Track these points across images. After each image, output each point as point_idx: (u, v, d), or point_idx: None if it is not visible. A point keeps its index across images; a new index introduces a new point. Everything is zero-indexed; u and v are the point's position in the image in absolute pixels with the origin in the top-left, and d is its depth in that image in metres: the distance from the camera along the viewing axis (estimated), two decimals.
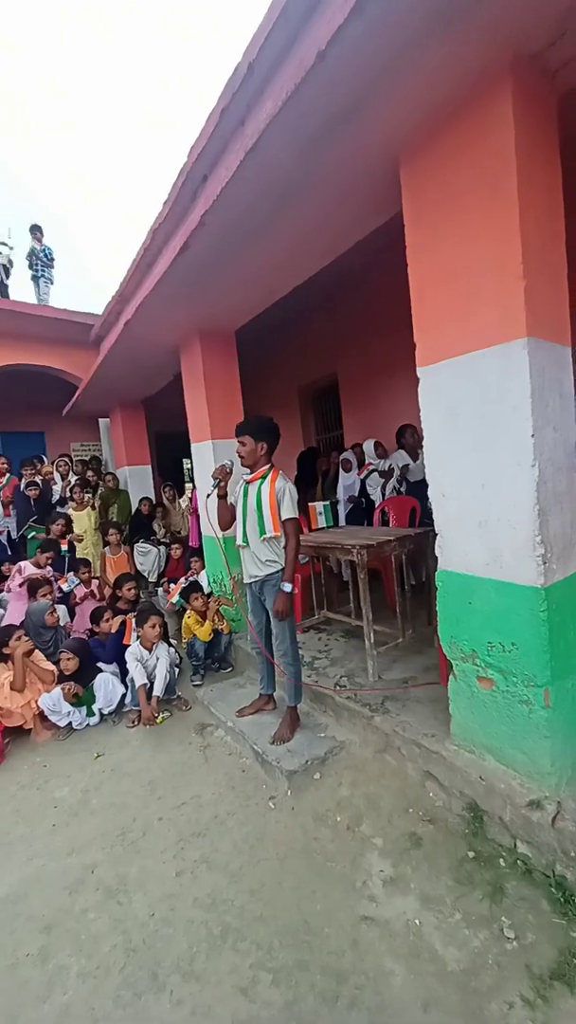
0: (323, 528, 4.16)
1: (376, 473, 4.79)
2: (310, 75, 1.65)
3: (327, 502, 4.79)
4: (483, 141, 1.77)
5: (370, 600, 2.97)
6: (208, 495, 2.82)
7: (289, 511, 2.55)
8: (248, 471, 2.69)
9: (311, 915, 1.73)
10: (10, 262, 7.19)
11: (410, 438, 4.45)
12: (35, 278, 7.31)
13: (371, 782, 2.34)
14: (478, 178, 1.79)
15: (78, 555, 5.58)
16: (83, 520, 5.70)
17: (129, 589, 4.21)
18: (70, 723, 3.22)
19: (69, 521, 5.32)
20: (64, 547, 5.08)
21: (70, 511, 5.76)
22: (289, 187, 2.30)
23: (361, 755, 2.52)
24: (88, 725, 3.27)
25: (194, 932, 1.71)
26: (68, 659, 3.29)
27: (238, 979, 1.53)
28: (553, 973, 1.43)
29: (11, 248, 7.21)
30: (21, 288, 7.68)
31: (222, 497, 2.77)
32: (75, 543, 5.67)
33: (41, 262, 7.26)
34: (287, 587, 2.55)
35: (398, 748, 2.36)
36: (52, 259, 7.44)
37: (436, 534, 2.15)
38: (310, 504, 5.07)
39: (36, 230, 7.35)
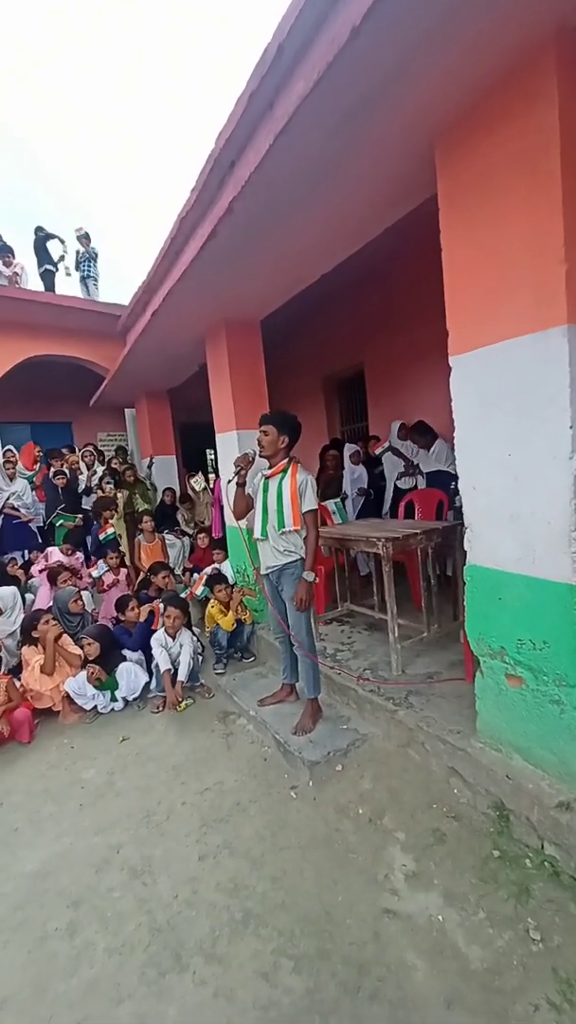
0: (350, 522, 4.13)
1: (391, 451, 4.73)
2: (343, 52, 1.60)
3: (337, 499, 4.76)
4: (524, 116, 1.68)
5: (394, 593, 2.93)
6: (229, 481, 2.83)
7: (311, 503, 2.57)
8: (267, 464, 2.70)
9: (332, 905, 1.73)
10: (62, 257, 7.40)
11: (419, 436, 4.43)
12: (84, 279, 7.51)
13: (394, 776, 2.32)
14: (518, 156, 1.71)
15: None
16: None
17: (164, 577, 4.27)
18: (95, 706, 3.30)
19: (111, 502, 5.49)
20: (110, 530, 5.22)
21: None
22: (319, 171, 2.25)
23: (384, 749, 2.51)
24: (113, 710, 3.34)
25: (216, 916, 1.73)
26: (88, 644, 3.36)
27: (260, 964, 1.55)
28: None
29: (63, 242, 7.41)
30: (66, 286, 7.91)
31: (240, 486, 2.77)
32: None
33: (88, 261, 7.48)
34: (309, 576, 2.55)
35: (422, 743, 2.34)
36: (96, 257, 7.64)
37: (465, 528, 2.10)
38: (320, 503, 5.03)
39: (85, 237, 7.55)
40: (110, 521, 5.45)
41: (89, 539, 6.08)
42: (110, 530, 5.37)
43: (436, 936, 1.59)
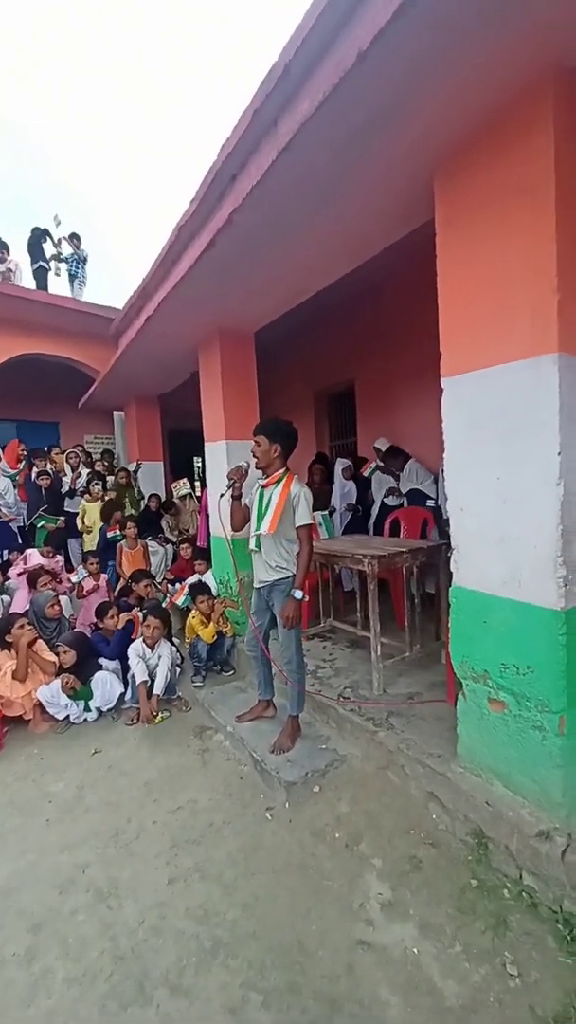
0: (336, 538, 4.12)
1: (379, 471, 4.78)
2: (349, 76, 1.62)
3: (325, 512, 4.78)
4: (522, 147, 1.73)
5: (378, 611, 2.91)
6: (222, 495, 2.79)
7: (304, 517, 2.50)
8: (262, 474, 2.64)
9: (305, 935, 1.67)
10: (56, 256, 7.35)
11: (392, 459, 4.62)
12: (71, 278, 7.46)
13: (372, 799, 2.28)
14: (514, 185, 1.75)
15: (85, 547, 5.59)
16: (93, 512, 5.71)
17: (146, 586, 4.19)
18: (68, 716, 3.20)
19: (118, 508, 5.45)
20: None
21: (84, 502, 5.78)
22: (320, 189, 2.27)
23: (363, 770, 2.46)
24: (86, 720, 3.24)
25: (184, 944, 1.66)
26: (64, 652, 3.26)
27: (228, 998, 1.48)
28: (558, 1016, 1.37)
29: (57, 243, 7.36)
30: (57, 287, 7.83)
31: (236, 498, 2.72)
32: (84, 534, 5.69)
33: (77, 263, 7.43)
34: (298, 594, 2.49)
35: (401, 766, 2.30)
36: (86, 260, 7.59)
37: (452, 548, 2.09)
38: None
39: (75, 238, 7.53)
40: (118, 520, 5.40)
41: (71, 542, 5.97)
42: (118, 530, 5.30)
43: (411, 970, 1.54)
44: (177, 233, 3.39)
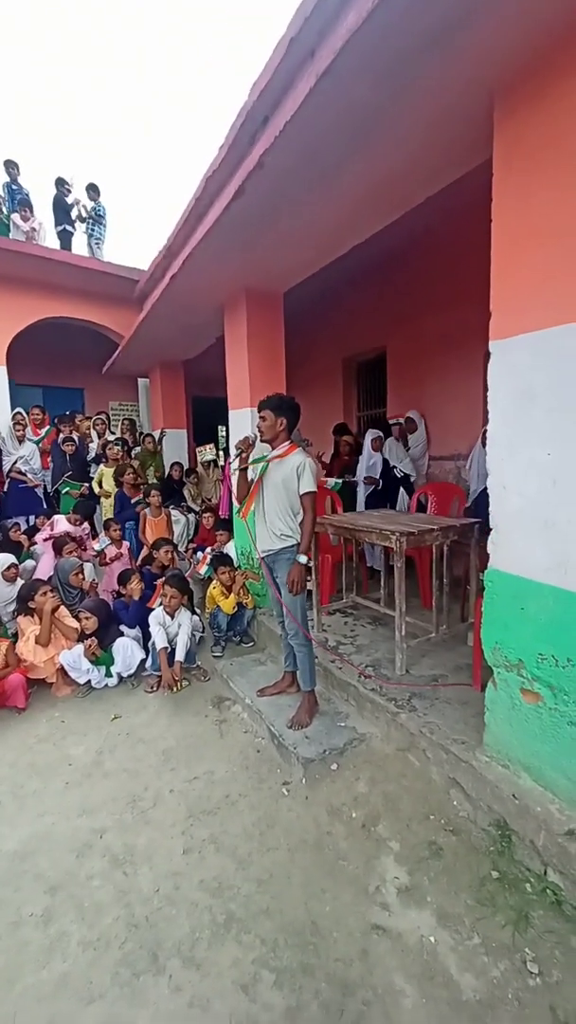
0: (361, 512, 3.99)
1: (395, 438, 4.80)
2: None
3: (339, 480, 4.69)
4: None
5: (404, 589, 2.80)
6: (235, 469, 2.75)
7: (308, 485, 2.52)
8: (268, 447, 2.67)
9: (319, 916, 1.65)
10: (80, 216, 7.08)
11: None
12: (88, 236, 7.19)
13: (391, 781, 2.23)
14: None
15: (104, 515, 5.60)
16: (110, 477, 5.66)
17: (166, 552, 4.17)
18: (89, 681, 3.24)
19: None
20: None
21: (102, 467, 5.75)
22: (361, 122, 2.04)
23: (382, 751, 2.41)
24: (106, 685, 3.28)
25: (197, 916, 1.66)
26: (86, 618, 3.28)
27: (239, 974, 1.47)
28: None
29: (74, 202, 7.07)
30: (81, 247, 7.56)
31: (243, 469, 2.72)
32: (103, 499, 5.68)
33: (92, 219, 7.11)
34: (302, 559, 2.51)
35: (423, 750, 2.23)
36: (103, 217, 7.26)
37: (488, 528, 1.95)
38: (320, 479, 4.88)
39: (92, 188, 7.19)
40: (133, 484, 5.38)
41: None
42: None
43: (427, 959, 1.50)
44: (204, 185, 3.17)
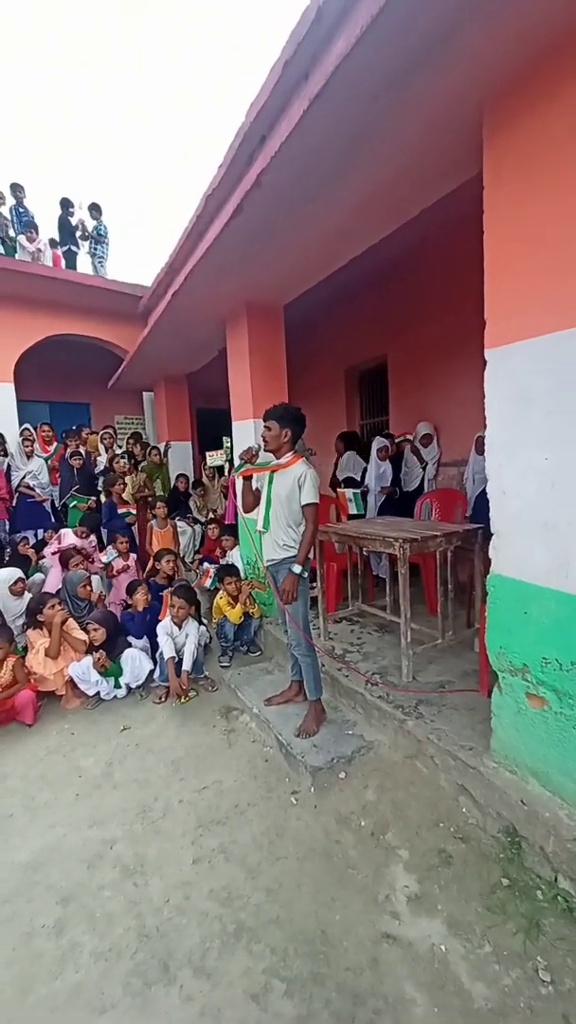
0: (363, 517, 4.00)
1: (411, 450, 4.79)
2: (389, 4, 1.45)
3: (357, 490, 4.65)
4: None
5: (409, 596, 2.81)
6: (242, 477, 2.77)
7: (309, 496, 2.52)
8: (272, 457, 2.67)
9: (329, 924, 1.65)
10: (84, 236, 7.23)
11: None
12: (91, 256, 7.36)
13: (399, 788, 2.22)
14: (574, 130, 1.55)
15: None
16: (130, 491, 5.71)
17: (168, 562, 4.20)
18: (98, 693, 3.26)
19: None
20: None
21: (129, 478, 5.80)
22: (354, 142, 2.10)
23: (390, 758, 2.41)
24: (115, 697, 3.30)
25: (208, 926, 1.66)
26: (95, 630, 3.32)
27: (250, 983, 1.47)
28: None
29: (78, 224, 7.21)
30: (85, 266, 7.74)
31: (247, 479, 2.74)
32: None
33: (94, 239, 7.28)
34: (296, 568, 2.51)
35: (431, 757, 2.23)
36: (105, 236, 7.43)
37: (490, 533, 1.96)
38: (339, 490, 4.89)
39: (95, 208, 7.37)
40: (123, 496, 5.41)
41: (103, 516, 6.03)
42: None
43: (438, 968, 1.50)
44: (204, 203, 3.26)
